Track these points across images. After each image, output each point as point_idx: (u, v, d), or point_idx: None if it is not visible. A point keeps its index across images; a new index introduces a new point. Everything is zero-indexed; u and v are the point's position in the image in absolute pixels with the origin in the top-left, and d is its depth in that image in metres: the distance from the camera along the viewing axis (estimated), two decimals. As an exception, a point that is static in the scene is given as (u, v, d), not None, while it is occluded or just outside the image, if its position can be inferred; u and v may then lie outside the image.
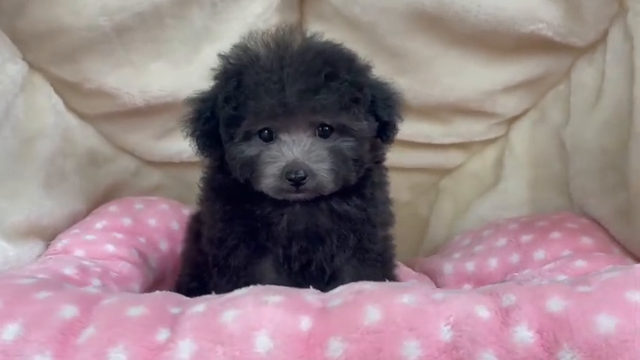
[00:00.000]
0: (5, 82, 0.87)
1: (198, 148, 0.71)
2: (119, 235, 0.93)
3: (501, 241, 0.96)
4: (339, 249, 0.73)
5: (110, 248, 0.89)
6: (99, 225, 0.95)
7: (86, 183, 1.03)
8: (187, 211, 1.07)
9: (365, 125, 0.67)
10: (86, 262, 0.82)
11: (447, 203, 1.24)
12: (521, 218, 1.03)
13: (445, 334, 0.48)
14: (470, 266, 0.96)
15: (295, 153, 0.65)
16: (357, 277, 0.72)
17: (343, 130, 0.67)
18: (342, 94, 0.64)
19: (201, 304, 0.55)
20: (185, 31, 0.98)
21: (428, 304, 0.51)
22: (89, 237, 0.91)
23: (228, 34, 1.02)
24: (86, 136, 1.05)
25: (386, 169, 0.78)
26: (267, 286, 0.59)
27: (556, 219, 0.97)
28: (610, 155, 0.92)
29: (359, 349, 0.48)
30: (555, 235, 0.91)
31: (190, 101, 0.73)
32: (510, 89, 1.09)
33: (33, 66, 0.94)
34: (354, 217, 0.72)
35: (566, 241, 0.89)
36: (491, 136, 1.18)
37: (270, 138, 0.66)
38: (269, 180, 0.65)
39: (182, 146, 1.10)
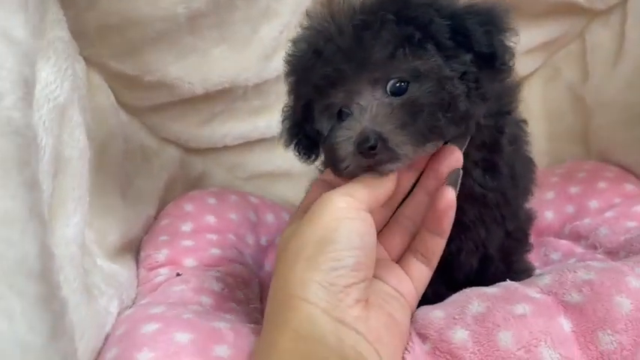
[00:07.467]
0: (80, 85, 0.76)
1: (301, 156, 0.67)
2: (213, 237, 0.88)
3: (550, 194, 1.07)
4: (488, 238, 0.69)
5: (217, 252, 0.84)
6: (186, 228, 0.88)
7: (147, 183, 0.94)
8: (255, 199, 1.04)
9: (435, 63, 0.55)
10: (217, 274, 0.78)
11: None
12: (555, 170, 1.14)
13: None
14: (527, 220, 1.06)
15: (363, 121, 0.55)
16: (505, 251, 0.74)
17: (418, 78, 0.56)
18: (390, 40, 0.55)
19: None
20: (250, 11, 0.92)
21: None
22: (187, 243, 0.85)
23: (283, 10, 0.98)
24: (135, 131, 0.95)
25: (524, 121, 0.69)
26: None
27: (591, 169, 1.09)
28: (636, 108, 1.05)
29: (629, 337, 0.55)
30: (602, 184, 1.03)
31: (282, 114, 0.68)
32: (530, 51, 1.18)
33: (89, 62, 0.83)
34: (493, 203, 0.67)
35: (613, 189, 1.01)
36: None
37: (346, 115, 0.58)
38: (346, 163, 0.56)
39: (226, 130, 1.06)
